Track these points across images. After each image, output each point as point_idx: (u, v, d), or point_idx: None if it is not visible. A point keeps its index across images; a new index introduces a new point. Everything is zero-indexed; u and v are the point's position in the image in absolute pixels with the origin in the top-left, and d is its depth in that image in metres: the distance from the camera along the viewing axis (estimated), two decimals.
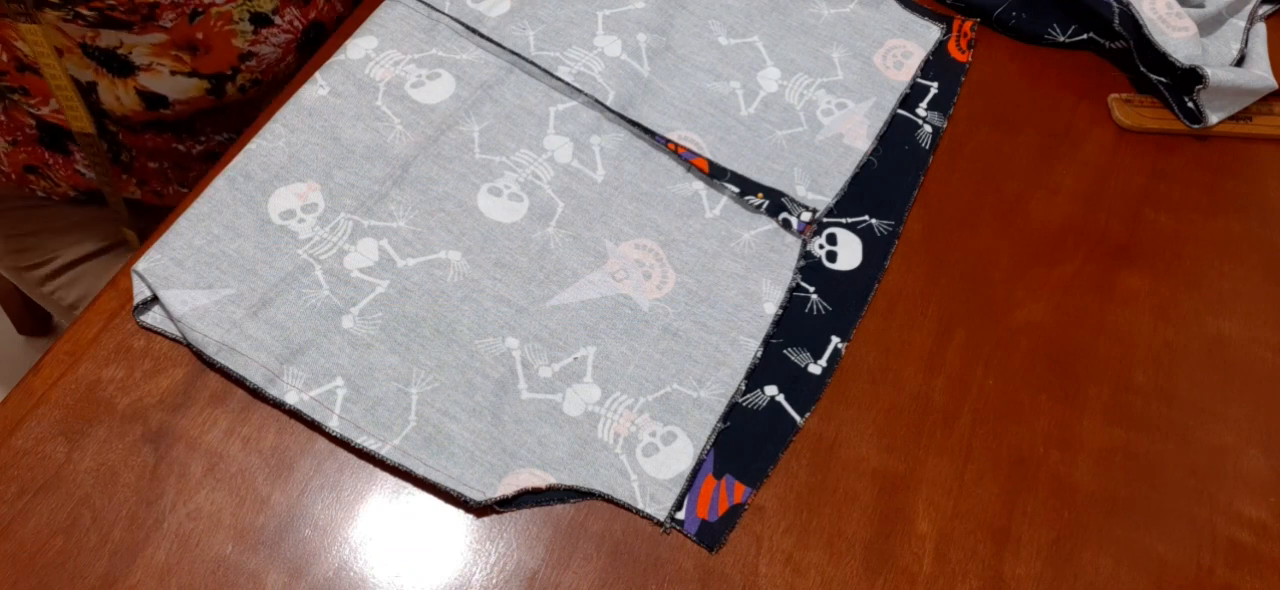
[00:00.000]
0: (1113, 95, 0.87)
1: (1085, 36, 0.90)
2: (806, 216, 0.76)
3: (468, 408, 0.65)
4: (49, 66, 0.73)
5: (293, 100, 0.77)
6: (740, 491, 0.63)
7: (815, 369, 0.69)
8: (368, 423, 0.63)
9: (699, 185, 0.77)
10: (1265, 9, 0.93)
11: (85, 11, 0.68)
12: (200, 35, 0.76)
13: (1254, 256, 0.78)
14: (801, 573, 0.61)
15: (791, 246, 0.74)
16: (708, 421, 0.66)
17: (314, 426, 0.63)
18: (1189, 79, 0.85)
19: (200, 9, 0.73)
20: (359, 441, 0.63)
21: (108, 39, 0.74)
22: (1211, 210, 0.81)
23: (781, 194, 0.77)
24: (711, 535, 0.61)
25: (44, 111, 0.79)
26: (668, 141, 0.79)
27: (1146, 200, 0.81)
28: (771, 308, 0.71)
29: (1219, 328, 0.74)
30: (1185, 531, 0.64)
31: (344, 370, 0.65)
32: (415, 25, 0.83)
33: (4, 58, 0.74)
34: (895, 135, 0.82)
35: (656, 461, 0.64)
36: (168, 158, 0.78)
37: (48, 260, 0.89)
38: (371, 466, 0.63)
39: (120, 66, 0.77)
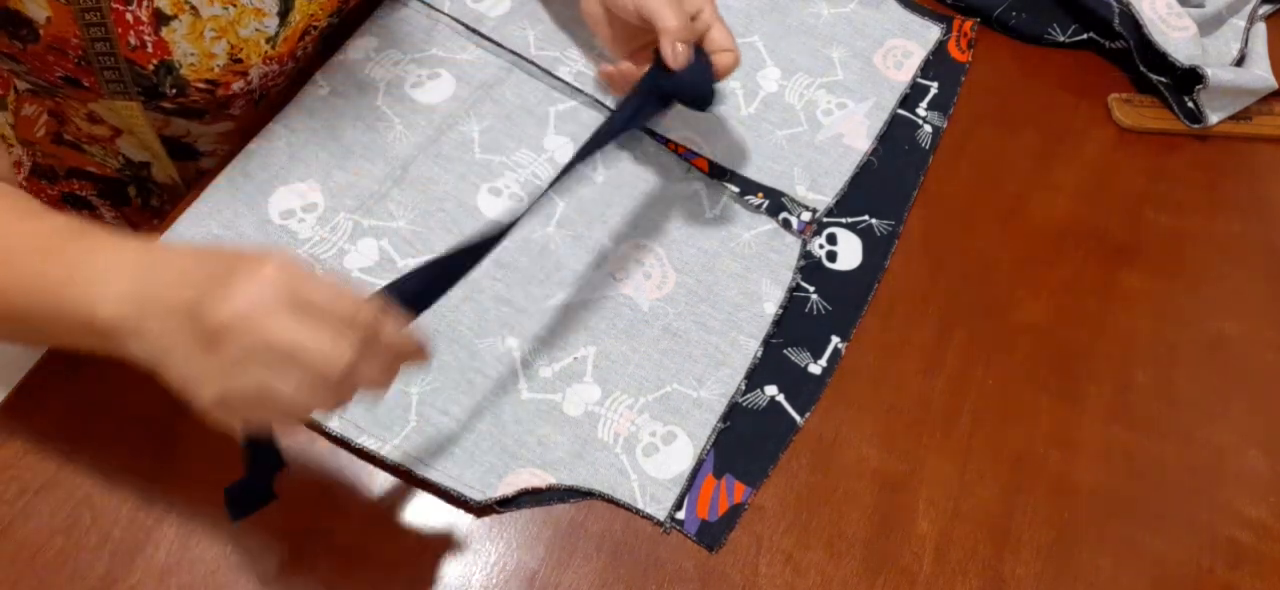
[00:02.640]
0: (1113, 95, 0.87)
1: (1085, 36, 0.90)
2: (806, 216, 0.76)
3: (468, 408, 0.65)
4: (142, 131, 0.76)
5: (293, 100, 0.77)
6: (740, 491, 0.63)
7: (815, 369, 0.69)
8: (368, 423, 0.63)
9: (699, 185, 0.77)
10: (1265, 9, 0.93)
11: (167, 104, 0.70)
12: (266, 118, 0.78)
13: (1254, 256, 0.78)
14: (801, 573, 0.61)
15: (791, 246, 0.74)
16: (708, 421, 0.66)
17: (314, 427, 0.63)
18: (1189, 79, 0.85)
19: (265, 92, 0.75)
20: (359, 442, 0.63)
21: (176, 128, 0.76)
22: (1211, 210, 0.81)
23: (781, 194, 0.77)
24: (711, 535, 0.61)
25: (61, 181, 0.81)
26: (668, 141, 0.79)
27: (1146, 200, 0.81)
28: (771, 307, 0.71)
29: (1219, 328, 0.74)
30: (1185, 531, 0.64)
31: None
32: (415, 25, 0.83)
33: (41, 133, 0.76)
34: (895, 135, 0.82)
35: (656, 461, 0.64)
36: None
37: None
38: (371, 466, 0.63)
39: (184, 152, 0.78)
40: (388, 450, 0.62)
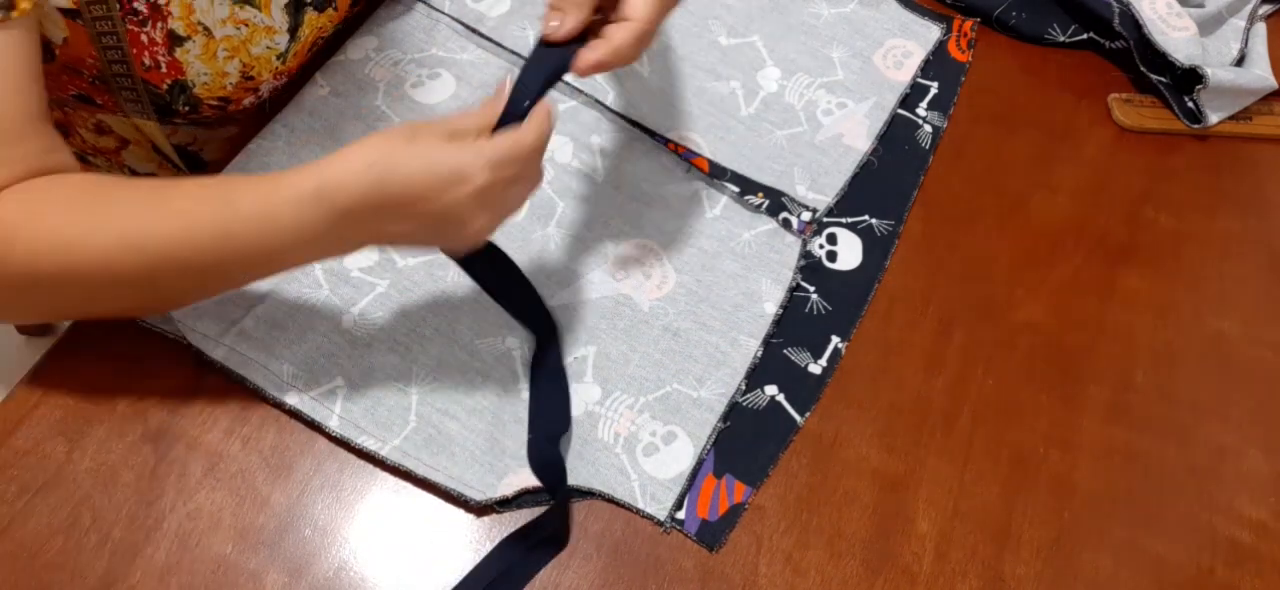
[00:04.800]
0: (1113, 95, 0.87)
1: (1085, 36, 0.90)
2: (806, 216, 0.76)
3: (468, 408, 0.65)
4: (159, 142, 0.77)
5: (293, 101, 0.77)
6: (740, 491, 0.63)
7: (815, 369, 0.69)
8: (368, 423, 0.63)
9: (699, 185, 0.77)
10: (1265, 9, 0.93)
11: (178, 120, 0.70)
12: (266, 118, 0.78)
13: (1254, 256, 0.78)
14: (801, 573, 0.61)
15: (791, 246, 0.74)
16: (708, 421, 0.66)
17: (314, 426, 0.63)
18: (1189, 79, 0.85)
19: (273, 99, 0.76)
20: (359, 442, 0.63)
21: (182, 136, 0.76)
22: (1211, 210, 0.81)
23: (781, 194, 0.77)
24: (711, 535, 0.61)
25: None
26: (668, 141, 0.79)
27: (1146, 200, 0.81)
28: (771, 307, 0.71)
29: (1219, 328, 0.74)
30: (1185, 531, 0.64)
31: (344, 370, 0.65)
32: (415, 25, 0.83)
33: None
34: (895, 135, 0.82)
35: (657, 461, 0.64)
36: None
37: None
38: (371, 466, 0.63)
39: (191, 161, 0.79)
40: (388, 451, 0.62)
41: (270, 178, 0.57)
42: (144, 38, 0.64)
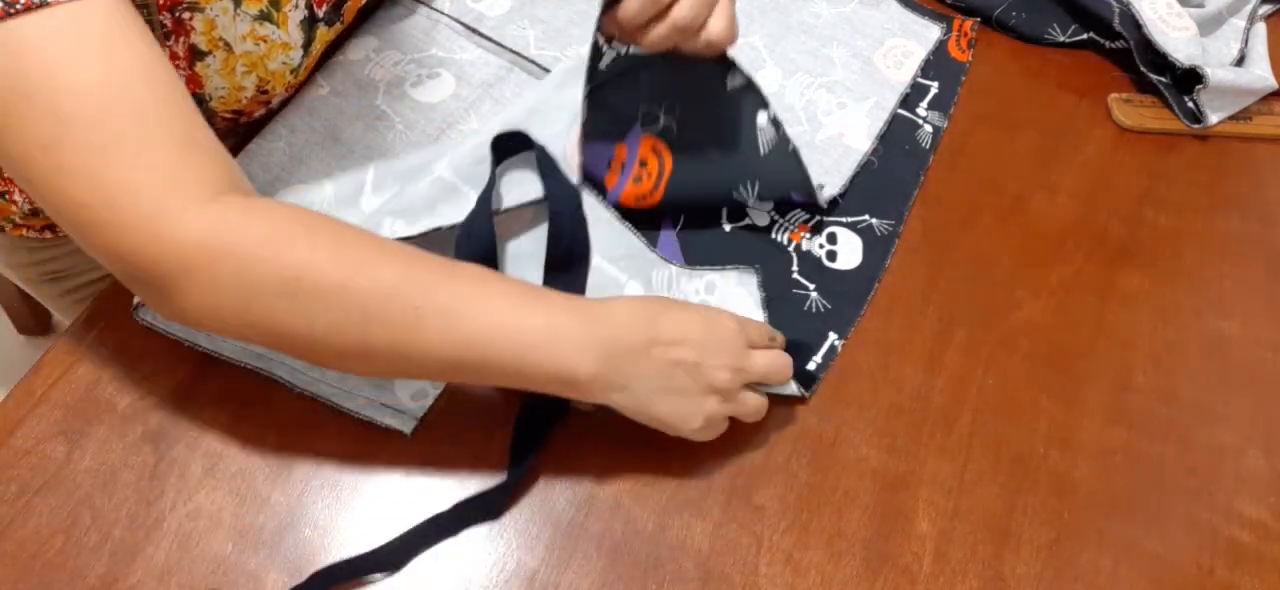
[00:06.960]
0: (1113, 95, 0.87)
1: (1085, 36, 0.90)
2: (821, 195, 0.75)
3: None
4: None
5: (293, 100, 0.77)
6: None
7: (811, 366, 0.69)
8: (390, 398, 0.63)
9: None
10: (1265, 9, 0.93)
11: None
12: (266, 118, 0.79)
13: (1254, 256, 0.78)
14: (801, 573, 0.61)
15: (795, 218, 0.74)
16: None
17: (312, 428, 0.63)
18: (1189, 79, 0.85)
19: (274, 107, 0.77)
20: (383, 421, 0.63)
21: None
22: (1211, 210, 0.81)
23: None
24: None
25: None
26: None
27: (1146, 200, 0.81)
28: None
29: (1219, 328, 0.74)
30: (1185, 531, 0.64)
31: None
32: (415, 25, 0.83)
33: None
34: (895, 135, 0.82)
35: None
36: None
37: (74, 277, 0.90)
38: (372, 466, 0.63)
39: None
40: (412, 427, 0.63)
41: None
42: (165, 52, 0.64)
